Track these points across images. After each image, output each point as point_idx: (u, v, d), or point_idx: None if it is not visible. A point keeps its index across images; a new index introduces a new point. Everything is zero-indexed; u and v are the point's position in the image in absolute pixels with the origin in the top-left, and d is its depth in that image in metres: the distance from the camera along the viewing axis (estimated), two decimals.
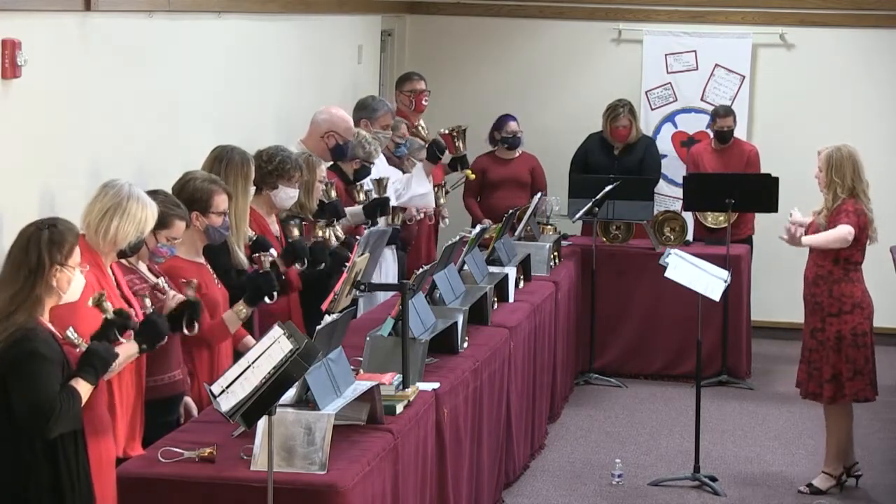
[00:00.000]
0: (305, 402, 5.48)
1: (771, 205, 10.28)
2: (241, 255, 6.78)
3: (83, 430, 4.98)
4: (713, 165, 11.11)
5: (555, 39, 12.27)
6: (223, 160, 6.88)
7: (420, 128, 10.40)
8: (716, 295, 8.25)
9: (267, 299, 6.42)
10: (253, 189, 7.06)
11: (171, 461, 5.14)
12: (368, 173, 8.65)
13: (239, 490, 5.00)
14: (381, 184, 8.55)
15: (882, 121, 11.81)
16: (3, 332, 4.80)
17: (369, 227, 8.05)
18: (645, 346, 10.71)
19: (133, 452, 5.50)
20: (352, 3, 10.77)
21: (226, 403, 4.87)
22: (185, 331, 5.75)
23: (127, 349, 5.28)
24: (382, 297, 8.29)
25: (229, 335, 6.41)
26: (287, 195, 7.39)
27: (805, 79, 11.97)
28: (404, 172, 9.46)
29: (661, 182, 11.60)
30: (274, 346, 4.88)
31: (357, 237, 7.67)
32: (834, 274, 8.03)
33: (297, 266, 7.19)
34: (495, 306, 8.10)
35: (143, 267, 5.98)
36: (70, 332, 4.94)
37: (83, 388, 4.87)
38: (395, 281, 8.49)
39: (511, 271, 8.67)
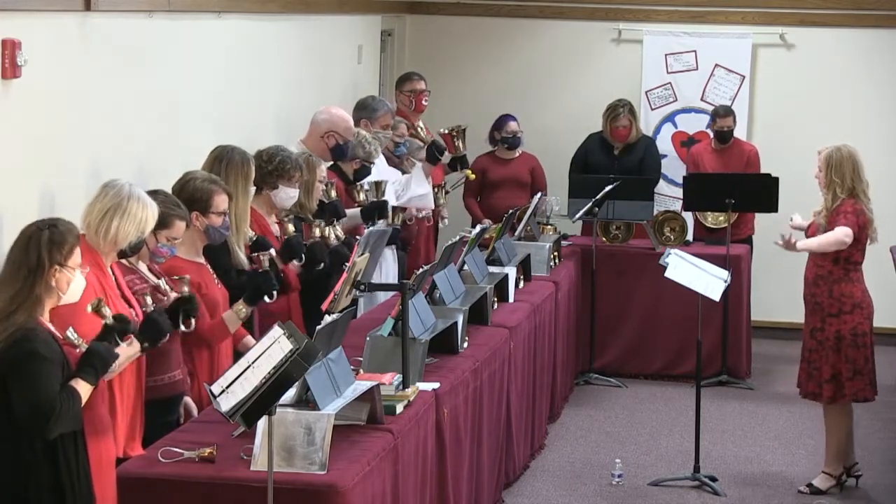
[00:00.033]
0: (305, 402, 5.48)
1: (771, 205, 10.28)
2: (242, 255, 6.78)
3: (83, 431, 4.98)
4: (713, 165, 11.11)
5: (555, 39, 12.27)
6: (223, 160, 6.88)
7: (419, 129, 10.40)
8: (716, 295, 8.25)
9: (266, 298, 6.43)
10: (253, 189, 7.06)
11: (171, 461, 5.14)
12: (368, 173, 8.64)
13: (239, 490, 5.00)
14: (379, 187, 8.54)
15: (882, 121, 11.81)
16: (3, 332, 4.80)
17: (369, 227, 8.05)
18: (645, 346, 10.71)
19: (133, 452, 5.50)
20: (352, 3, 10.77)
21: (226, 403, 4.87)
22: (182, 326, 5.74)
23: (128, 348, 5.29)
24: (382, 297, 8.29)
25: (229, 335, 6.42)
26: (287, 195, 7.40)
27: (805, 79, 11.97)
28: (404, 172, 9.46)
29: (661, 182, 11.60)
30: (274, 346, 4.88)
31: (357, 237, 7.67)
32: (834, 274, 8.03)
33: (295, 262, 7.19)
34: (495, 306, 8.10)
35: (143, 267, 5.98)
36: (70, 333, 4.94)
37: (83, 388, 4.87)
38: (395, 281, 8.48)
39: (511, 271, 8.67)
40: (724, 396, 10.25)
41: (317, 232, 7.52)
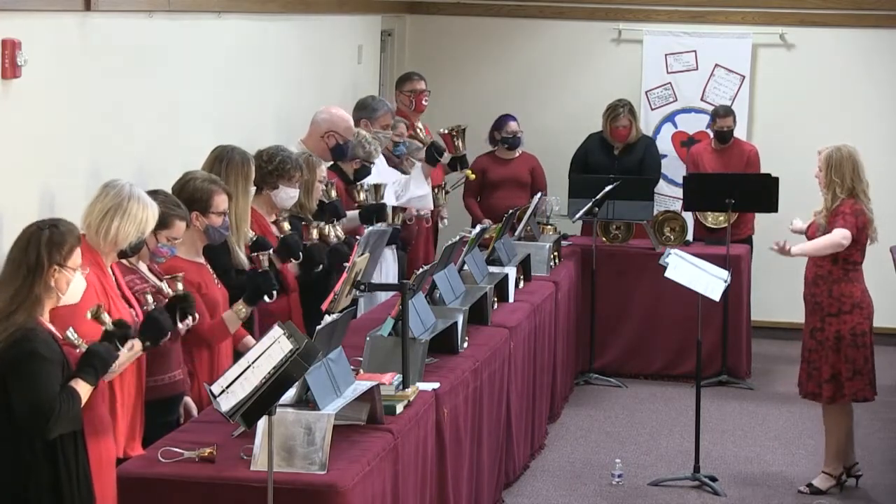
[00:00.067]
0: (305, 402, 5.48)
1: (771, 205, 10.28)
2: (242, 255, 6.78)
3: (83, 431, 4.98)
4: (713, 165, 11.11)
5: (555, 39, 12.27)
6: (223, 160, 6.88)
7: (419, 130, 10.40)
8: (716, 295, 8.25)
9: (266, 298, 6.43)
10: (253, 189, 7.06)
11: (171, 461, 5.14)
12: (368, 173, 8.64)
13: (239, 490, 5.00)
14: (377, 190, 8.53)
15: (882, 121, 11.81)
16: (3, 332, 4.80)
17: (369, 227, 8.05)
18: (645, 346, 10.71)
19: (133, 452, 5.50)
20: (352, 3, 10.77)
21: (226, 403, 4.87)
22: (180, 324, 5.74)
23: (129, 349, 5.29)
24: (382, 297, 8.29)
25: (229, 335, 6.42)
26: (287, 195, 7.40)
27: (805, 79, 11.97)
28: (403, 173, 9.45)
29: (661, 182, 11.60)
30: (274, 346, 4.88)
31: (357, 237, 7.67)
32: (833, 274, 8.03)
33: (293, 261, 7.19)
34: (495, 306, 8.10)
35: (143, 267, 5.97)
36: (70, 333, 4.94)
37: (83, 388, 4.87)
38: (395, 281, 8.48)
39: (511, 271, 8.67)
40: (724, 396, 10.25)
41: (315, 233, 7.52)
